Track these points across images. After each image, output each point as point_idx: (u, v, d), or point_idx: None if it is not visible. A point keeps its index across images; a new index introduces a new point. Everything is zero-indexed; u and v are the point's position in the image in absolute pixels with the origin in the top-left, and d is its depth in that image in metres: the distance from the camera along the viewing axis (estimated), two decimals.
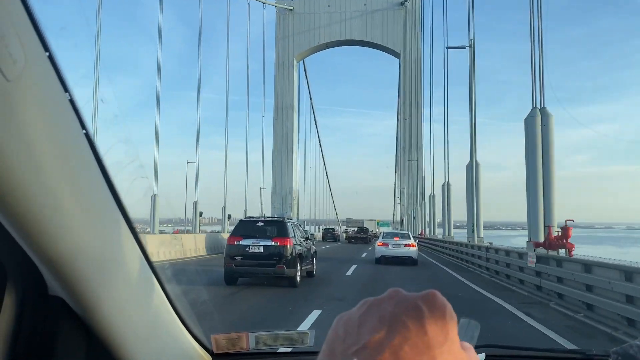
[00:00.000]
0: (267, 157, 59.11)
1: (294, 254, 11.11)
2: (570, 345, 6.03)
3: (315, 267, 13.57)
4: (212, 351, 1.18)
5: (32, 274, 0.70)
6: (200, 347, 1.12)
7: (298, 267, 11.30)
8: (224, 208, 40.04)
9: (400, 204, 68.59)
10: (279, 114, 60.15)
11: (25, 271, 0.70)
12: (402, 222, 66.32)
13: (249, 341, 1.15)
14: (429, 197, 38.48)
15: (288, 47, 60.53)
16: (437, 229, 36.70)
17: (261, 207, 51.93)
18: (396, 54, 60.00)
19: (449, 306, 0.37)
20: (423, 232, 43.39)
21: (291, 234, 11.46)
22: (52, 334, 0.75)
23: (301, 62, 64.88)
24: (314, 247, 13.71)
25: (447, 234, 29.09)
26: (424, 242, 34.46)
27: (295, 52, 60.47)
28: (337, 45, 61.56)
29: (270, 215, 17.39)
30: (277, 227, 11.49)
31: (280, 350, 1.17)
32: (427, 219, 44.77)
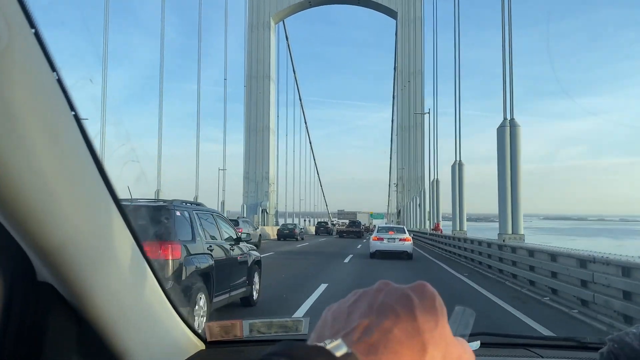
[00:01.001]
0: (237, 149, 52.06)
1: (185, 276, 5.55)
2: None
3: (257, 289, 8.21)
4: (206, 339, 1.18)
5: (20, 259, 0.69)
6: (194, 335, 1.13)
7: (200, 302, 5.77)
8: (157, 192, 31.91)
9: (397, 191, 60.12)
10: (252, 85, 51.39)
11: (13, 257, 0.69)
12: (399, 213, 57.65)
13: (242, 329, 1.15)
14: (454, 165, 24.10)
15: (263, 5, 52.00)
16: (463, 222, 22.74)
17: (222, 193, 44.62)
18: (392, 13, 53.40)
19: (438, 296, 0.38)
20: (439, 227, 30.70)
21: (184, 233, 5.89)
22: (42, 321, 0.74)
23: (280, 24, 56.83)
24: (256, 254, 8.25)
25: (511, 231, 15.23)
26: (451, 247, 20.71)
27: (272, 10, 52.14)
28: (323, 4, 54.32)
29: (165, 199, 6.65)
30: (151, 219, 5.74)
31: (275, 337, 1.17)
32: (442, 209, 32.96)
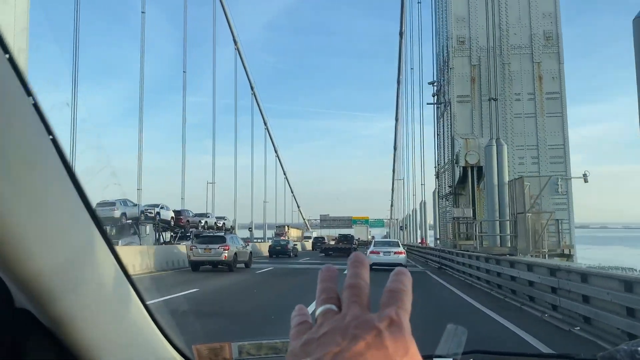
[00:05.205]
0: None
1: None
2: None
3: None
4: None
5: None
6: (182, 358, 1.13)
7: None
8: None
9: (438, 108, 32.24)
10: None
11: None
12: (456, 194, 27.04)
13: (231, 351, 1.16)
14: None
15: None
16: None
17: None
18: None
19: (405, 323, 0.40)
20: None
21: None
22: (20, 349, 0.74)
23: None
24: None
25: None
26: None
27: None
28: None
29: None
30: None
31: (264, 359, 1.18)
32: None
